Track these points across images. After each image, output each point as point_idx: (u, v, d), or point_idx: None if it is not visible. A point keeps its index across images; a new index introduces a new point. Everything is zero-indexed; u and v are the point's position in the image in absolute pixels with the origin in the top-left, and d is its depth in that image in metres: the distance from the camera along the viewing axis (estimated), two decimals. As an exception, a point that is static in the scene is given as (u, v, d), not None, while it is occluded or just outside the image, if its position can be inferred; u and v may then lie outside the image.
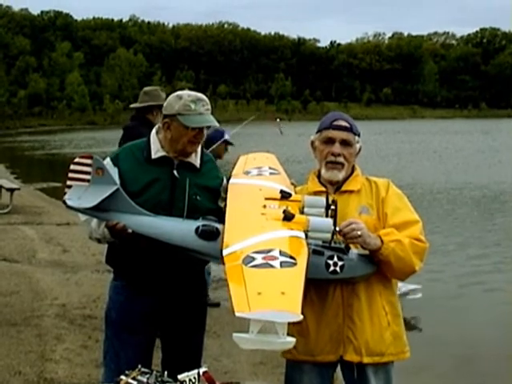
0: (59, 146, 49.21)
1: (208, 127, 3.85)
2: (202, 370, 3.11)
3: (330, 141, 3.53)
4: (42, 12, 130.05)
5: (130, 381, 3.00)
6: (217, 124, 3.79)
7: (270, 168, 3.92)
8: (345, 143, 3.52)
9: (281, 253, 2.85)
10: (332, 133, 3.53)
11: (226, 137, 7.49)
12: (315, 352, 3.46)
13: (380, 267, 3.39)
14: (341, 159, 3.51)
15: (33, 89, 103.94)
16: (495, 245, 13.82)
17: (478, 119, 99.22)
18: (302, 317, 2.54)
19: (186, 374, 3.05)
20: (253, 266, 2.77)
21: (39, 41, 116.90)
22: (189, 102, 3.68)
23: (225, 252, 2.98)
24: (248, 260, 2.81)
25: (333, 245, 3.24)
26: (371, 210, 3.49)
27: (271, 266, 2.76)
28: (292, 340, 2.58)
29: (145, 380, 3.00)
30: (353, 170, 3.63)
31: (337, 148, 3.51)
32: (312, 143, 3.66)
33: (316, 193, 3.54)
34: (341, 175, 3.53)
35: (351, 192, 3.55)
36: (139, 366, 3.08)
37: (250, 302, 2.54)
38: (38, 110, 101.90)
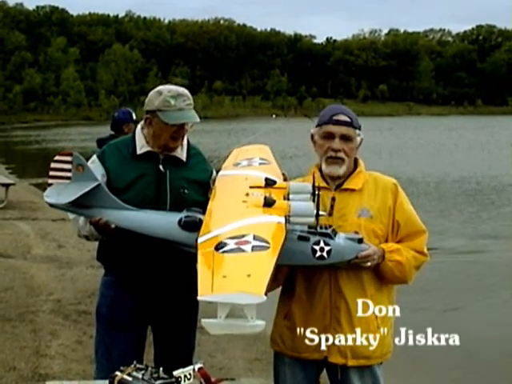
0: (54, 141, 49.06)
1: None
2: (197, 366, 3.10)
3: (329, 136, 3.46)
4: (37, 7, 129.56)
5: (125, 377, 2.98)
6: (197, 119, 3.73)
7: (261, 158, 3.88)
8: (345, 138, 3.45)
9: (255, 237, 2.81)
10: (332, 128, 3.45)
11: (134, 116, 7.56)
12: (301, 349, 3.45)
13: (374, 271, 3.41)
14: (341, 154, 3.44)
15: (28, 84, 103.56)
16: (454, 234, 13.97)
17: (474, 116, 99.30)
18: (265, 298, 2.50)
19: (181, 370, 3.04)
20: (224, 252, 2.74)
21: (35, 36, 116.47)
22: (168, 97, 3.66)
23: (199, 240, 2.95)
24: (220, 246, 2.79)
25: (319, 230, 3.19)
26: (372, 212, 3.44)
27: (242, 251, 2.73)
28: (261, 323, 2.54)
29: (140, 376, 2.98)
30: (356, 165, 3.57)
31: (336, 144, 3.44)
32: (312, 137, 3.58)
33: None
34: (341, 170, 3.46)
35: (352, 191, 3.48)
36: (134, 362, 3.07)
37: (214, 285, 2.52)
38: (34, 105, 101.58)
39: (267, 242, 2.79)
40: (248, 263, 2.67)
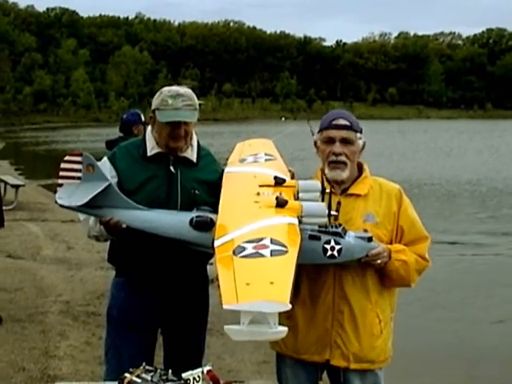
0: (64, 142, 49.20)
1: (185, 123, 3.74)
2: (206, 369, 3.09)
3: (330, 140, 3.49)
4: (47, 9, 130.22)
5: (134, 378, 2.98)
6: (191, 119, 3.72)
7: (266, 154, 3.87)
8: (345, 141, 3.47)
9: (272, 241, 2.79)
10: (332, 132, 3.48)
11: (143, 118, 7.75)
12: (301, 351, 3.49)
13: (378, 274, 3.43)
14: (342, 158, 3.46)
15: (38, 85, 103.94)
16: (463, 236, 14.17)
17: (484, 120, 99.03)
18: (290, 306, 2.50)
19: (190, 372, 3.03)
20: (243, 257, 2.72)
21: (45, 38, 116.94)
22: (167, 97, 3.68)
23: (216, 243, 2.92)
24: (239, 250, 2.76)
25: (329, 229, 3.19)
26: (377, 218, 3.46)
27: (261, 256, 2.71)
28: (284, 329, 2.54)
29: (149, 378, 2.97)
30: (361, 170, 3.59)
31: (337, 147, 3.46)
32: (315, 143, 3.62)
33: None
34: (344, 174, 3.48)
35: (358, 196, 3.50)
36: (143, 364, 3.06)
37: (238, 293, 2.50)
38: (44, 106, 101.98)
39: (285, 246, 2.77)
40: (269, 269, 2.66)
